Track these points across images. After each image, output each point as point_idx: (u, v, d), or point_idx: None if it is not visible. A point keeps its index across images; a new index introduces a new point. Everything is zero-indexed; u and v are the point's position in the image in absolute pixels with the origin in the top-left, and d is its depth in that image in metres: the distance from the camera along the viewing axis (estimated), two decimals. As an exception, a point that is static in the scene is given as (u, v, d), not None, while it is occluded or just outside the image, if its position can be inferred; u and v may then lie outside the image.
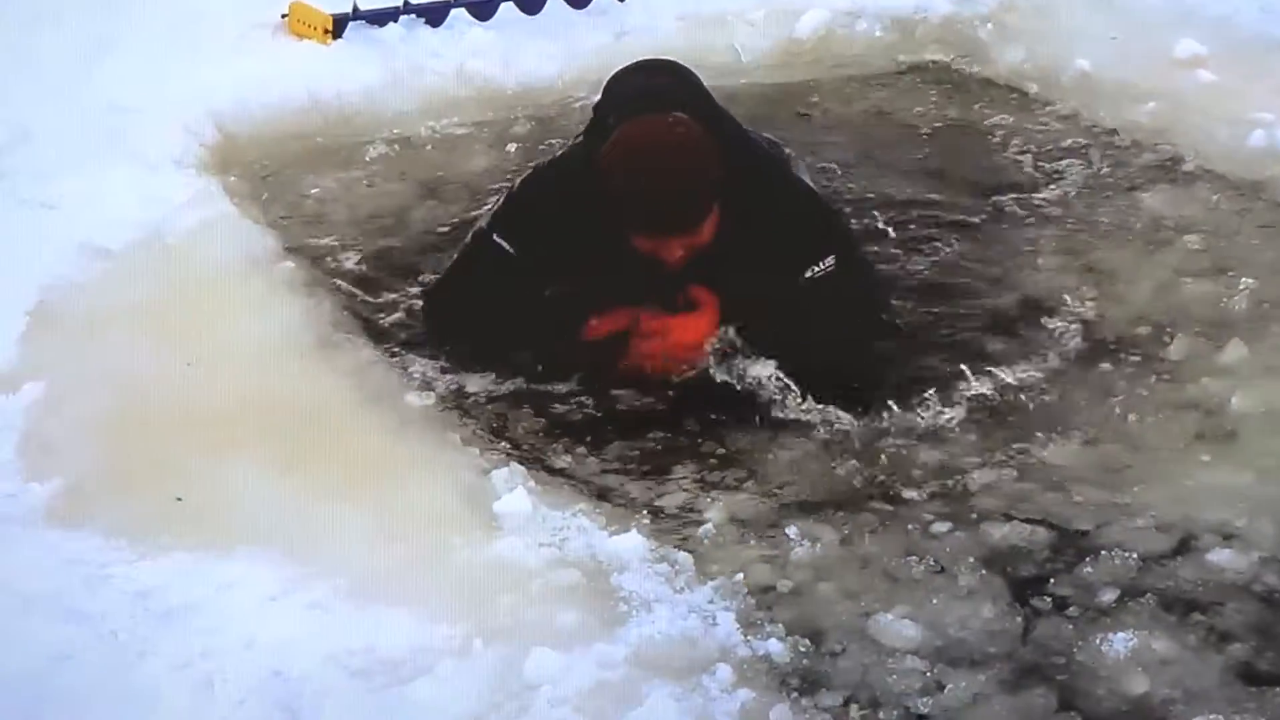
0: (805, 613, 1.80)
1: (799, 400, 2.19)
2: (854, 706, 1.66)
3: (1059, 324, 2.45)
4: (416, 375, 2.29)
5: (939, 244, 2.73)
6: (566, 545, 1.87)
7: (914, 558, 1.90)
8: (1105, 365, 2.34)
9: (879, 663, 1.72)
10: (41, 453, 1.99)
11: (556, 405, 2.24)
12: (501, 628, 1.71)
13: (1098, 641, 1.75)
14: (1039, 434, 2.16)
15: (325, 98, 3.15)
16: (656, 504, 2.02)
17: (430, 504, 1.93)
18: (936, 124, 3.30)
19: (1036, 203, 2.90)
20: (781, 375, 2.20)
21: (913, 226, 2.79)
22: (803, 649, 1.74)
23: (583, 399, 2.25)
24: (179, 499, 1.92)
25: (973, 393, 2.24)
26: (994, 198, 2.92)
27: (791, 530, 1.94)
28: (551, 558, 1.84)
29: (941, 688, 1.69)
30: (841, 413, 2.18)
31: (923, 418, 2.19)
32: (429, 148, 3.13)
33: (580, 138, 2.35)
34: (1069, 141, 3.15)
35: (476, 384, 2.26)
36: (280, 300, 2.42)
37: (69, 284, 2.38)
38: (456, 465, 2.03)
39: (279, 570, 1.79)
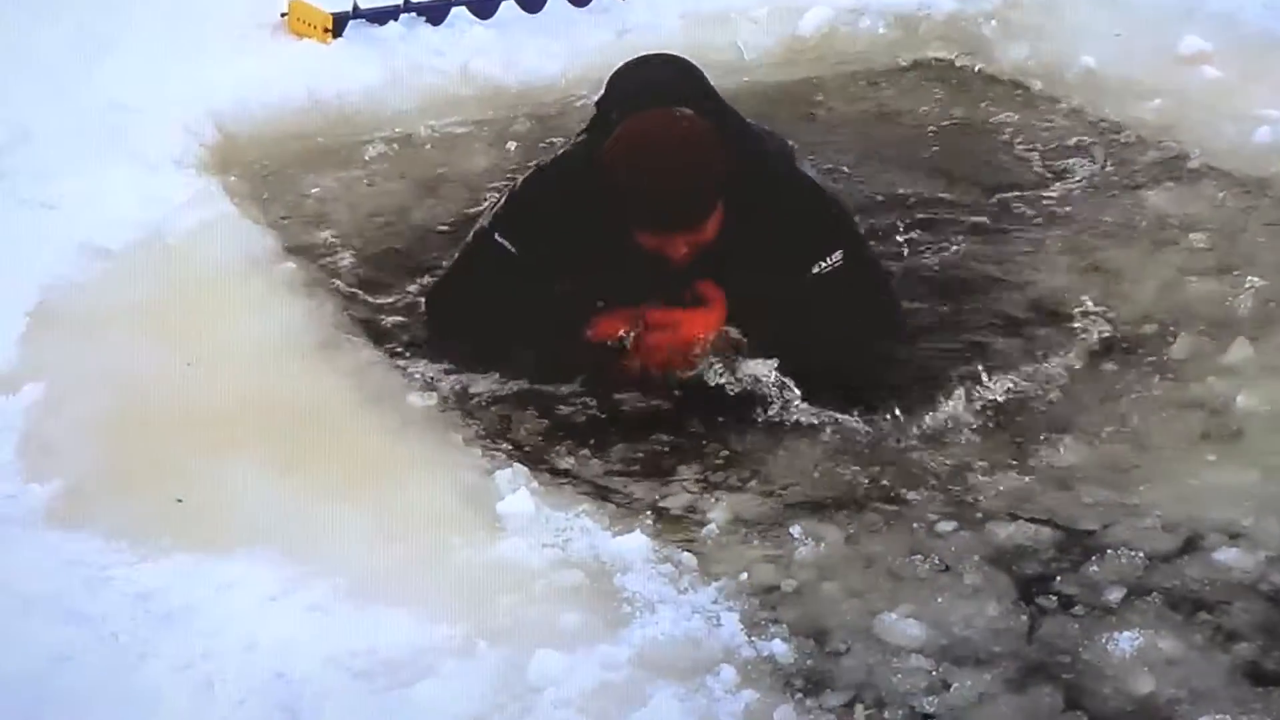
0: (809, 612, 1.80)
1: (801, 401, 2.18)
2: (859, 707, 1.66)
3: (1064, 323, 2.44)
4: (418, 376, 2.28)
5: (945, 243, 2.71)
6: (570, 546, 1.86)
7: (919, 557, 1.89)
8: (1110, 364, 2.33)
9: (884, 662, 1.72)
10: (41, 454, 1.98)
11: (559, 406, 2.23)
12: (504, 629, 1.70)
13: (1103, 641, 1.74)
14: (1044, 433, 2.15)
15: (325, 97, 3.14)
16: (660, 504, 2.02)
17: (432, 504, 1.92)
18: (941, 122, 3.28)
19: (1042, 201, 2.88)
20: (780, 376, 2.19)
21: (918, 225, 2.78)
22: (807, 649, 1.73)
23: (586, 400, 2.24)
24: (179, 500, 1.92)
25: (978, 392, 2.23)
26: (999, 196, 2.90)
27: (795, 530, 1.93)
28: (554, 558, 1.83)
29: (947, 687, 1.68)
30: (844, 412, 2.17)
31: (927, 417, 2.18)
32: (429, 147, 3.12)
33: (583, 134, 2.34)
34: (1074, 139, 3.14)
35: (479, 385, 2.25)
36: (281, 300, 2.41)
37: (69, 284, 2.38)
38: (459, 466, 2.02)
39: (280, 571, 1.78)
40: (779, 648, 1.72)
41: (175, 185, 2.72)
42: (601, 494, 2.03)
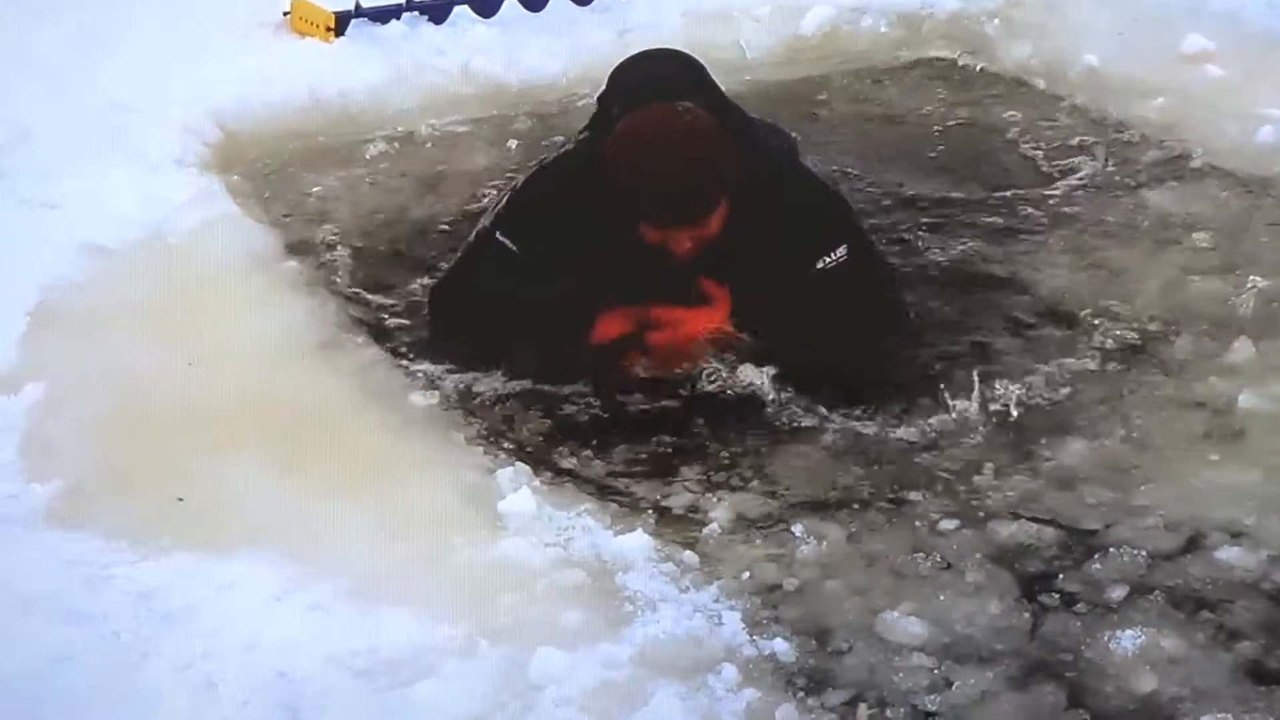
0: (811, 611, 1.79)
1: (801, 402, 2.17)
2: (862, 706, 1.65)
3: (1067, 323, 2.43)
4: (420, 375, 2.27)
5: (948, 242, 2.71)
6: (571, 545, 1.86)
7: (921, 555, 1.88)
8: (1113, 364, 2.32)
9: (886, 661, 1.71)
10: (42, 453, 1.98)
11: (561, 405, 2.23)
12: (506, 628, 1.70)
13: (1106, 639, 1.74)
14: (1046, 433, 2.15)
15: (327, 96, 3.14)
16: (662, 504, 2.01)
17: (434, 504, 1.92)
18: (944, 121, 3.28)
19: (1045, 200, 2.88)
20: (776, 385, 2.17)
21: (922, 224, 2.77)
22: (809, 648, 1.73)
23: (588, 400, 2.23)
24: (180, 499, 1.91)
25: (980, 391, 2.22)
26: (1002, 195, 2.89)
27: (797, 529, 1.93)
28: (556, 557, 1.83)
29: (949, 685, 1.68)
30: (847, 411, 2.17)
31: (930, 416, 2.17)
32: (430, 145, 3.11)
33: (585, 131, 2.33)
34: (1077, 139, 3.13)
35: (481, 384, 2.25)
36: (282, 299, 2.41)
37: (70, 284, 2.37)
38: (460, 465, 2.02)
39: (281, 571, 1.78)
40: (781, 646, 1.72)
41: (176, 184, 2.72)
42: (603, 493, 2.03)
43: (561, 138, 2.84)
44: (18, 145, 2.77)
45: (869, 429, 2.15)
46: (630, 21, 3.47)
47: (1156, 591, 1.81)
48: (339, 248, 2.69)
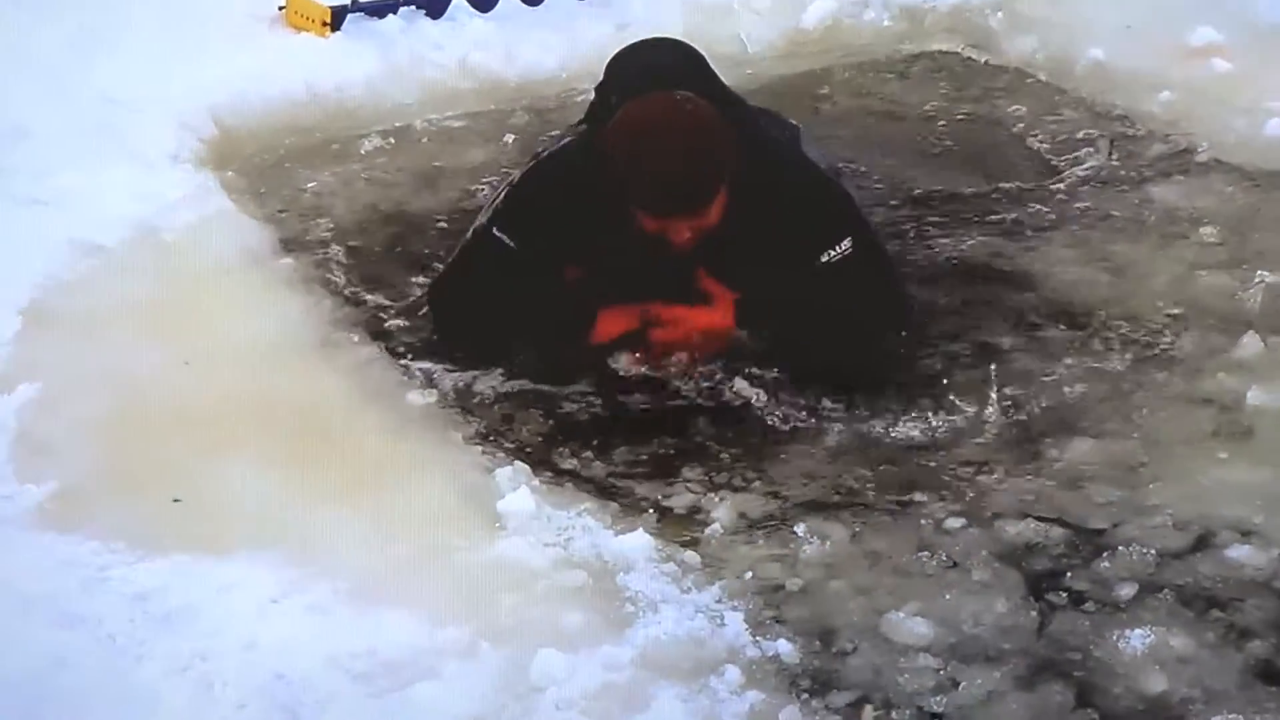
0: (815, 612, 1.78)
1: (805, 401, 2.15)
2: (867, 708, 1.64)
3: (1073, 319, 2.41)
4: (418, 374, 2.26)
5: (952, 237, 2.68)
6: (571, 545, 1.85)
7: (926, 554, 1.87)
8: (1120, 360, 2.30)
9: (891, 661, 1.70)
10: (36, 454, 1.96)
11: (561, 404, 2.21)
12: (505, 629, 1.69)
13: (1114, 638, 1.73)
14: (1053, 430, 2.13)
15: (324, 91, 3.11)
16: (663, 504, 1.99)
17: (432, 504, 1.91)
18: (948, 116, 3.24)
19: (1050, 195, 2.85)
20: (779, 380, 2.14)
21: (926, 220, 2.75)
22: (813, 649, 1.71)
23: (588, 399, 2.21)
24: (177, 500, 1.90)
25: (986, 388, 2.20)
26: (1007, 190, 2.87)
27: (800, 529, 1.91)
28: (556, 558, 1.82)
29: (956, 685, 1.66)
30: (850, 409, 2.15)
31: (936, 413, 2.15)
32: (426, 140, 3.09)
33: (582, 122, 2.30)
34: (1082, 133, 3.10)
35: (480, 383, 2.23)
36: (279, 297, 2.40)
37: (63, 282, 2.36)
38: (459, 464, 2.00)
39: (279, 572, 1.77)
40: (784, 647, 1.70)
41: (171, 181, 2.70)
42: (604, 493, 2.01)
43: (558, 132, 2.82)
44: (13, 142, 2.76)
45: (873, 428, 2.13)
46: (629, 15, 3.44)
47: (1166, 590, 1.80)
48: (335, 244, 2.67)
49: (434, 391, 2.20)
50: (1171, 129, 3.05)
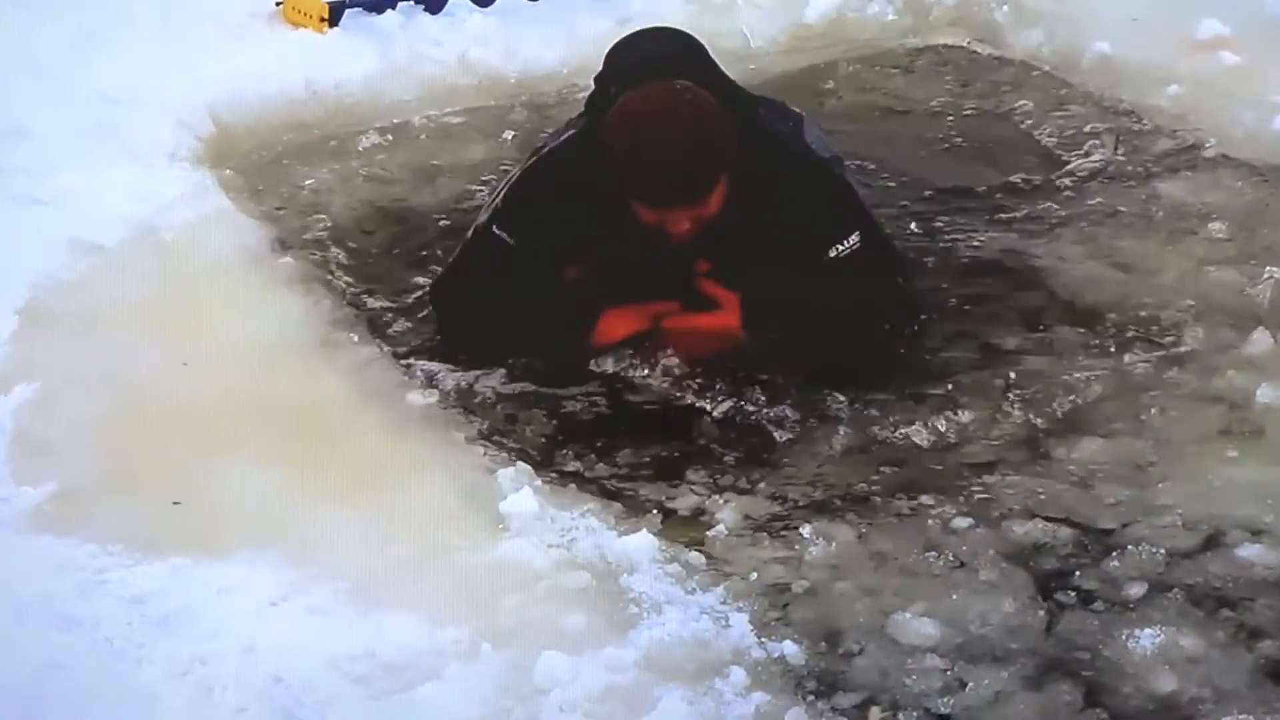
0: (821, 613, 1.76)
1: (811, 401, 2.13)
2: (874, 709, 1.62)
3: (1081, 316, 2.39)
4: (419, 373, 2.24)
5: (960, 234, 2.66)
6: (575, 546, 1.83)
7: (933, 554, 1.85)
8: (1129, 358, 2.28)
9: (898, 663, 1.68)
10: (33, 455, 1.95)
11: (564, 405, 2.19)
12: (508, 631, 1.67)
13: (1124, 637, 1.71)
14: (1061, 429, 2.11)
15: (322, 88, 3.10)
16: (667, 506, 1.98)
17: (434, 504, 1.90)
18: (955, 110, 3.22)
19: (1057, 190, 2.83)
20: (784, 381, 2.12)
21: (934, 217, 2.72)
22: (819, 650, 1.70)
23: (591, 399, 2.20)
24: (175, 502, 1.88)
25: (993, 385, 2.18)
26: (1014, 185, 2.85)
27: (806, 530, 1.89)
28: (559, 559, 1.80)
29: (963, 686, 1.65)
30: (857, 409, 2.12)
31: (942, 412, 2.13)
32: (425, 137, 3.07)
33: (582, 115, 2.27)
34: (1089, 127, 3.07)
35: (481, 383, 2.22)
36: (278, 296, 2.38)
37: (61, 281, 2.35)
38: (460, 465, 1.99)
39: (279, 574, 1.76)
40: (790, 649, 1.69)
41: (170, 179, 2.69)
42: (607, 493, 2.00)
43: (558, 127, 2.79)
44: (12, 142, 2.75)
45: (879, 428, 2.11)
46: (631, 10, 3.41)
47: (1175, 589, 1.78)
48: (333, 242, 2.66)
49: (435, 391, 2.19)
50: (1179, 123, 3.03)
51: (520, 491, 1.88)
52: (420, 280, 2.51)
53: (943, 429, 2.11)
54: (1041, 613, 1.75)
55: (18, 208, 2.54)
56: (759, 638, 1.70)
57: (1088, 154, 2.96)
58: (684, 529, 1.92)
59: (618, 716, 1.57)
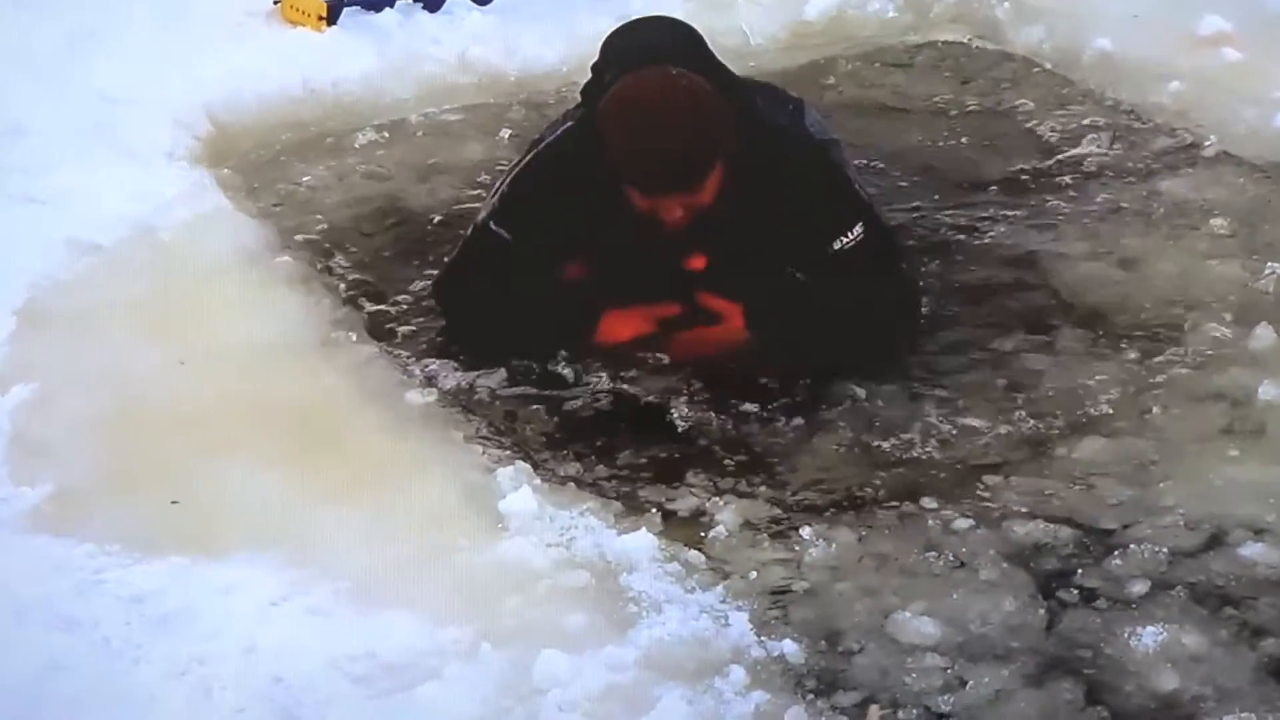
0: (821, 612, 1.76)
1: (811, 401, 2.12)
2: (873, 707, 1.62)
3: (1082, 313, 2.38)
4: (418, 372, 2.24)
5: (960, 231, 2.65)
6: (574, 545, 1.83)
7: (933, 553, 1.85)
8: (1130, 355, 2.27)
9: (898, 661, 1.68)
10: (31, 455, 1.95)
11: (564, 404, 2.18)
12: (508, 630, 1.67)
13: (1125, 636, 1.70)
14: (1062, 428, 2.10)
15: (320, 86, 3.09)
16: (667, 507, 1.97)
17: (433, 504, 1.89)
18: (955, 107, 3.21)
19: (1058, 187, 2.82)
20: (784, 381, 2.11)
21: (934, 213, 2.71)
22: (819, 649, 1.69)
23: (592, 399, 2.19)
24: (174, 501, 1.88)
25: (995, 385, 2.17)
26: (1016, 183, 2.84)
27: (806, 532, 1.89)
28: (559, 558, 1.80)
29: (963, 685, 1.64)
30: (858, 409, 2.12)
31: (943, 411, 2.12)
32: (422, 134, 3.07)
33: (579, 107, 2.25)
34: (1090, 123, 3.06)
35: (481, 382, 2.21)
36: (275, 295, 2.38)
37: (59, 281, 2.34)
38: (460, 464, 1.99)
39: (278, 574, 1.75)
40: (789, 647, 1.68)
41: (168, 179, 2.68)
42: (607, 493, 1.99)
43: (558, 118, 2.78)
44: (9, 141, 2.74)
45: (879, 428, 2.10)
46: (630, 7, 3.40)
47: (1178, 587, 1.77)
48: (331, 241, 2.65)
49: (434, 391, 2.18)
50: (1180, 120, 3.02)
51: (520, 491, 1.88)
52: (419, 279, 2.50)
53: (944, 429, 2.10)
54: (1042, 611, 1.74)
55: (15, 207, 2.54)
56: (759, 636, 1.69)
57: (1088, 151, 2.96)
58: (684, 531, 1.91)
59: (617, 716, 1.56)
